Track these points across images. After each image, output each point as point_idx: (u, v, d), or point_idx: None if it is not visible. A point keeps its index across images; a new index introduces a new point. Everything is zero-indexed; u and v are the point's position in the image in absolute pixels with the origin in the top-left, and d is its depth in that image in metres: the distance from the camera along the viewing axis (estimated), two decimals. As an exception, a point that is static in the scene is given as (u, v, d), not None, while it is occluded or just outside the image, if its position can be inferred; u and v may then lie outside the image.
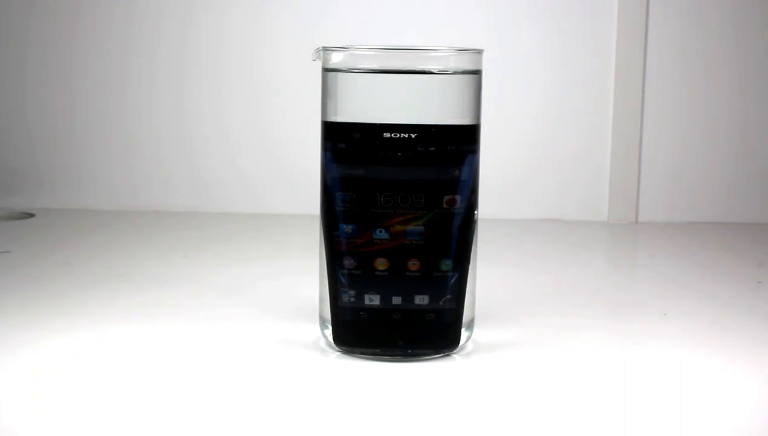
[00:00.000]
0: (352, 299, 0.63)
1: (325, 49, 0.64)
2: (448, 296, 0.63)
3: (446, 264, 0.63)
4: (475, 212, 0.64)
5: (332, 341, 0.64)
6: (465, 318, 0.65)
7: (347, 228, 0.63)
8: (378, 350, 0.63)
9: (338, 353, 0.65)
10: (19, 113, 1.19)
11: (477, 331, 0.68)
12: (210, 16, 1.16)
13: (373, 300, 0.63)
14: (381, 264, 0.63)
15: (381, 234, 0.62)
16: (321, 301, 0.66)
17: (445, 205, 0.62)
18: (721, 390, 0.60)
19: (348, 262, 0.63)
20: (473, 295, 0.66)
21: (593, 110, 1.16)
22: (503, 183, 1.15)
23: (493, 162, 1.05)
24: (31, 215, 1.12)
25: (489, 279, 0.72)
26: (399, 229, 0.62)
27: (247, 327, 0.71)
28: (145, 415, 0.54)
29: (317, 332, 0.67)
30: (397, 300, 0.63)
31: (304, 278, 0.79)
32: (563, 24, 1.15)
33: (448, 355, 0.65)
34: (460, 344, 0.65)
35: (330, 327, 0.65)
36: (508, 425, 0.54)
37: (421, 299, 0.63)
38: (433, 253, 0.63)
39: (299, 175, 1.11)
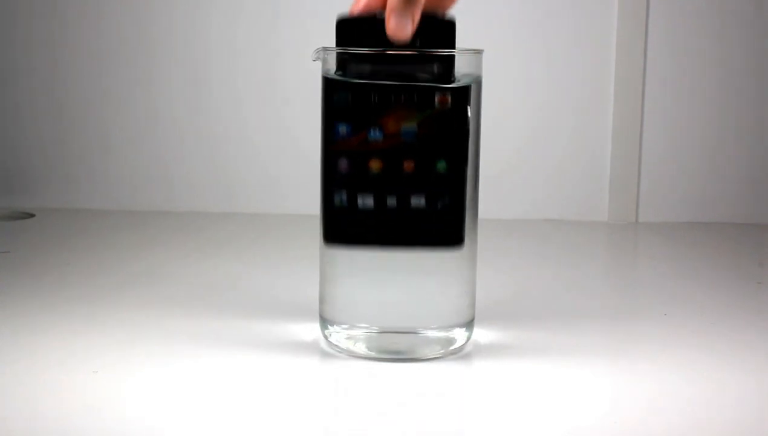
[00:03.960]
0: (345, 202, 0.62)
1: (326, 49, 0.64)
2: (445, 196, 0.62)
3: (442, 164, 0.62)
4: (468, 109, 0.63)
5: (323, 240, 0.63)
6: (465, 318, 0.65)
7: (342, 129, 0.62)
8: (370, 245, 0.62)
9: (338, 354, 0.65)
10: (19, 113, 1.19)
11: (477, 331, 0.68)
12: (211, 15, 1.16)
13: (366, 202, 0.62)
14: (375, 164, 0.62)
15: (375, 134, 0.61)
16: (321, 301, 0.66)
17: (438, 105, 0.62)
18: (720, 391, 0.60)
19: (342, 163, 0.62)
20: (473, 295, 0.66)
21: (593, 110, 1.16)
22: (503, 183, 1.15)
23: (493, 162, 1.05)
24: (31, 215, 1.12)
25: (489, 279, 0.72)
26: (393, 129, 0.61)
27: (245, 327, 0.71)
28: (141, 414, 0.55)
29: (317, 332, 0.67)
30: (392, 201, 0.62)
31: (303, 278, 0.79)
32: (563, 24, 1.15)
33: (446, 356, 0.64)
34: (463, 244, 0.63)
35: (329, 328, 0.65)
36: (508, 426, 0.54)
37: (417, 200, 0.62)
38: (428, 153, 0.62)
39: (299, 175, 1.12)
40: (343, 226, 0.63)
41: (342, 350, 0.64)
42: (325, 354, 0.65)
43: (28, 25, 1.17)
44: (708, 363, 0.65)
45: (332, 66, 0.63)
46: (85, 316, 0.73)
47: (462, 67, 0.63)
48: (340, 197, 0.62)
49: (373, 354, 0.63)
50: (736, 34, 1.15)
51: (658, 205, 1.16)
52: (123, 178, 1.18)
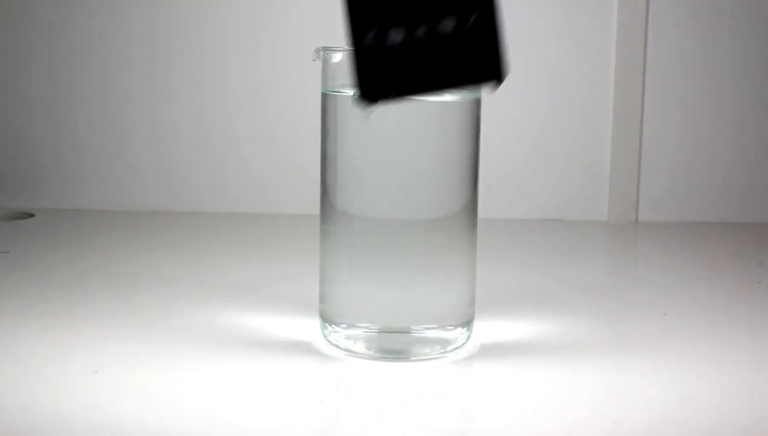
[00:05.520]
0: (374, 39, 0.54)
1: (326, 49, 0.64)
2: (477, 14, 0.54)
3: None
4: None
5: (356, 98, 0.54)
6: (464, 318, 0.65)
7: None
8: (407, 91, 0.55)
9: (338, 354, 0.65)
10: (18, 113, 1.19)
11: (477, 331, 0.68)
12: (211, 14, 1.16)
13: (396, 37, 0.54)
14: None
15: None
16: (321, 301, 0.66)
17: None
18: (720, 390, 0.60)
19: None
20: (473, 295, 0.66)
21: (593, 110, 1.16)
22: (503, 183, 1.15)
23: (493, 162, 1.05)
24: (31, 215, 1.12)
25: (489, 279, 0.72)
26: None
27: (245, 327, 0.71)
28: (141, 415, 0.55)
29: (317, 332, 0.67)
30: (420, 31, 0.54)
31: (304, 278, 0.79)
32: (563, 24, 1.15)
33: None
34: (502, 80, 0.55)
35: (329, 327, 0.65)
36: (508, 426, 0.54)
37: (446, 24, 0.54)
38: None
39: (300, 175, 1.12)
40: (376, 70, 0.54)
41: (342, 350, 0.64)
42: (325, 354, 0.65)
43: (27, 26, 1.17)
44: (708, 363, 0.65)
45: None
46: (84, 316, 0.73)
47: None
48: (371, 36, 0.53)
49: (372, 354, 0.63)
50: (735, 35, 1.14)
51: (658, 206, 1.16)
52: (122, 178, 1.18)
